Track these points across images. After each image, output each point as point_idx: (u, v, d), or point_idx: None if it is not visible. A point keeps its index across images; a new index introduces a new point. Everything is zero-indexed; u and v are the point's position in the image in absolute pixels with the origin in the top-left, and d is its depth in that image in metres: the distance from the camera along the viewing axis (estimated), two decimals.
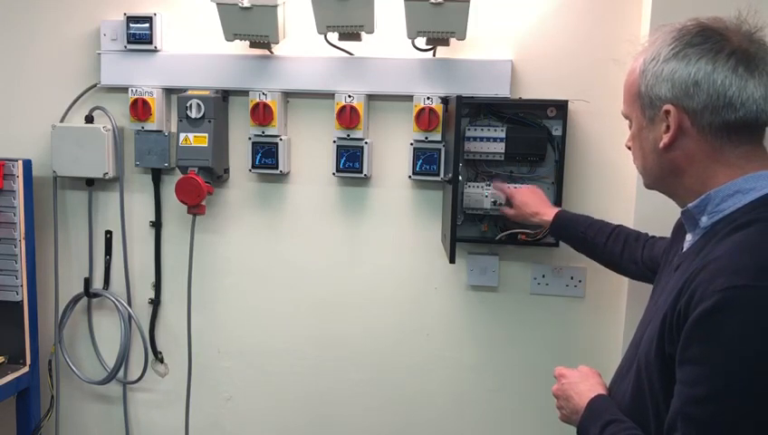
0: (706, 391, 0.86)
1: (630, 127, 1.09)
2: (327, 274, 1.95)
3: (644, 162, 1.07)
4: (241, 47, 1.84)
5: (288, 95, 1.90)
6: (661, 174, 1.05)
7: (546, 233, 1.72)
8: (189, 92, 1.87)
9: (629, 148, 1.12)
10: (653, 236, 1.48)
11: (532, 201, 1.66)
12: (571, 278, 1.83)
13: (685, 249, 1.07)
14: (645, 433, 1.00)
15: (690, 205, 1.02)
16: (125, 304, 2.04)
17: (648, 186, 1.11)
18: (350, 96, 1.80)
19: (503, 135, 1.75)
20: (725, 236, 0.94)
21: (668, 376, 0.94)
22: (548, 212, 1.62)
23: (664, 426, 0.93)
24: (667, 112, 0.98)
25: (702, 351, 0.87)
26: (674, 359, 0.92)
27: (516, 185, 1.74)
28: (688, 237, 1.06)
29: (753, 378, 0.84)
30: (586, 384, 1.17)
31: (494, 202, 1.76)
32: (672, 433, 0.91)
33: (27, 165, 1.93)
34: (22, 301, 1.94)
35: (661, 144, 1.00)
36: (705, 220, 1.00)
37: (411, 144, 1.81)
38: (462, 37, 1.69)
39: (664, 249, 1.26)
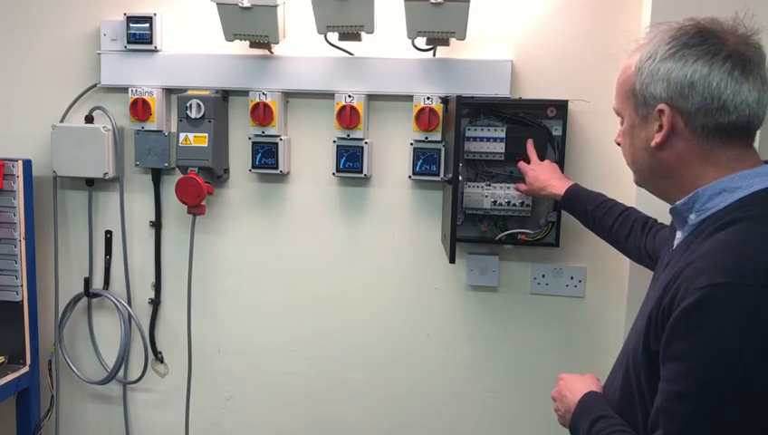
0: (687, 388, 0.87)
1: (622, 123, 1.09)
2: (327, 274, 1.95)
3: (634, 159, 1.08)
4: (241, 47, 1.84)
5: (288, 95, 1.90)
6: (651, 173, 1.06)
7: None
8: (189, 92, 1.87)
9: (619, 144, 1.12)
10: (661, 224, 1.48)
11: (543, 175, 1.66)
12: (571, 278, 1.83)
13: (674, 246, 1.08)
14: (633, 429, 1.01)
15: (678, 203, 1.03)
16: (125, 304, 2.04)
17: (638, 183, 1.11)
18: (350, 96, 1.80)
19: (503, 135, 1.75)
20: (710, 235, 0.95)
21: (654, 373, 0.95)
22: (557, 186, 1.62)
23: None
24: (661, 112, 0.99)
25: (683, 348, 0.88)
26: (659, 355, 0.93)
27: None
28: (678, 235, 1.08)
29: (732, 374, 0.84)
30: (581, 383, 1.18)
31: (494, 202, 1.76)
32: (655, 429, 0.92)
33: (27, 165, 1.93)
34: (22, 301, 1.94)
35: (653, 143, 1.01)
36: (693, 218, 1.01)
37: (411, 144, 1.81)
38: (462, 37, 1.69)
39: (664, 241, 1.27)
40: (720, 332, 0.85)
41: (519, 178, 1.76)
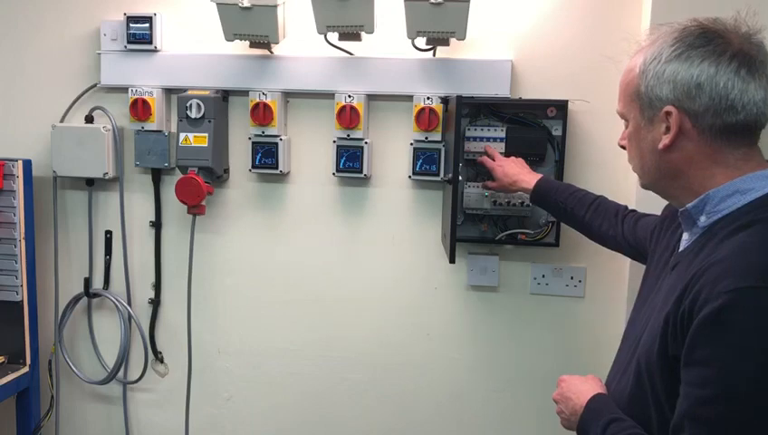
0: (714, 393, 0.86)
1: (626, 126, 1.08)
2: (327, 274, 1.95)
3: (641, 162, 1.07)
4: (241, 47, 1.84)
5: (288, 95, 1.90)
6: (659, 175, 1.04)
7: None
8: (189, 92, 1.87)
9: (623, 147, 1.11)
10: (633, 211, 1.49)
11: (512, 170, 1.66)
12: (571, 278, 1.83)
13: (682, 248, 1.06)
14: (646, 432, 1.00)
15: (689, 205, 1.01)
16: (125, 304, 2.04)
17: (645, 186, 1.10)
18: (350, 96, 1.80)
19: (503, 135, 1.76)
20: (727, 237, 0.94)
21: (672, 376, 0.94)
22: (527, 180, 1.62)
23: (668, 426, 0.93)
24: (668, 114, 0.98)
25: (709, 352, 0.87)
26: (678, 360, 0.92)
27: None
28: (685, 236, 1.06)
29: (760, 378, 0.84)
30: (585, 385, 1.17)
31: (494, 202, 1.76)
32: (679, 434, 0.91)
33: (27, 165, 1.93)
34: (22, 301, 1.94)
35: (661, 145, 1.00)
36: (703, 220, 1.00)
37: (411, 144, 1.81)
38: (462, 37, 1.69)
39: (651, 232, 1.27)
40: (748, 335, 0.84)
41: None
